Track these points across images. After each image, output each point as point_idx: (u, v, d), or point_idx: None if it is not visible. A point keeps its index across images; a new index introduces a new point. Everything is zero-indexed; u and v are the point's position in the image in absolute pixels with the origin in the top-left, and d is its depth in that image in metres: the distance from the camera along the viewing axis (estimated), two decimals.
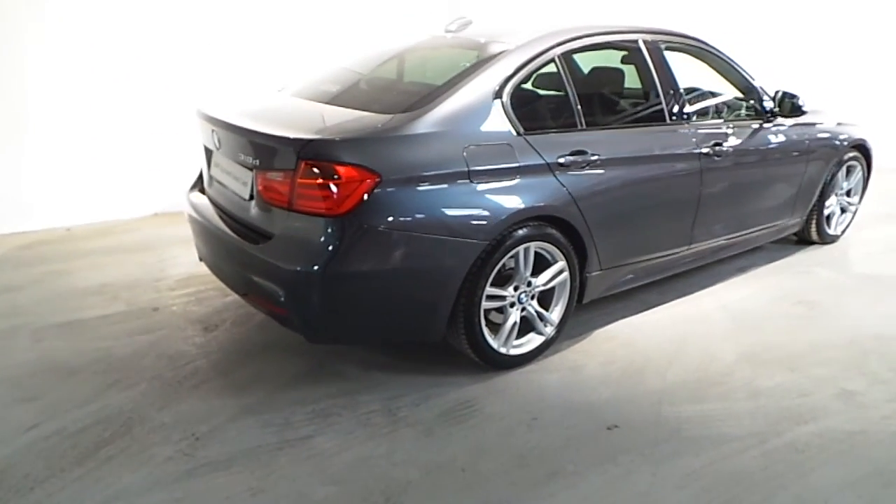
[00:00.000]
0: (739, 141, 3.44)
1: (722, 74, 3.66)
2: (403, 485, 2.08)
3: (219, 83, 4.86)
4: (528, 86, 2.78)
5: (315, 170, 2.24)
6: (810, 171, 3.91)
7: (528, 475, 2.14)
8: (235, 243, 2.57)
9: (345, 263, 2.27)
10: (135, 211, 4.91)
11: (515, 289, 2.69)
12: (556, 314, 2.85)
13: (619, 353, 2.94)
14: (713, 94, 3.64)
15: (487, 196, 2.48)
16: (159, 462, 2.16)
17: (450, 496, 2.04)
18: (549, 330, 2.85)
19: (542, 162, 2.62)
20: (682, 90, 3.24)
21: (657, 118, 3.16)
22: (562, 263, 2.78)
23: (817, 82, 5.98)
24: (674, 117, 3.18)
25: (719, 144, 3.30)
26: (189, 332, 3.06)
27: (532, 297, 2.76)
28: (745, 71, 3.68)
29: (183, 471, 2.12)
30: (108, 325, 3.14)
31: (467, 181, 2.44)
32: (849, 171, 4.31)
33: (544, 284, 2.77)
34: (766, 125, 3.65)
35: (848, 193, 4.41)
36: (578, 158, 2.73)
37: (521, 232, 2.57)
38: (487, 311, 2.63)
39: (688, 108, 3.27)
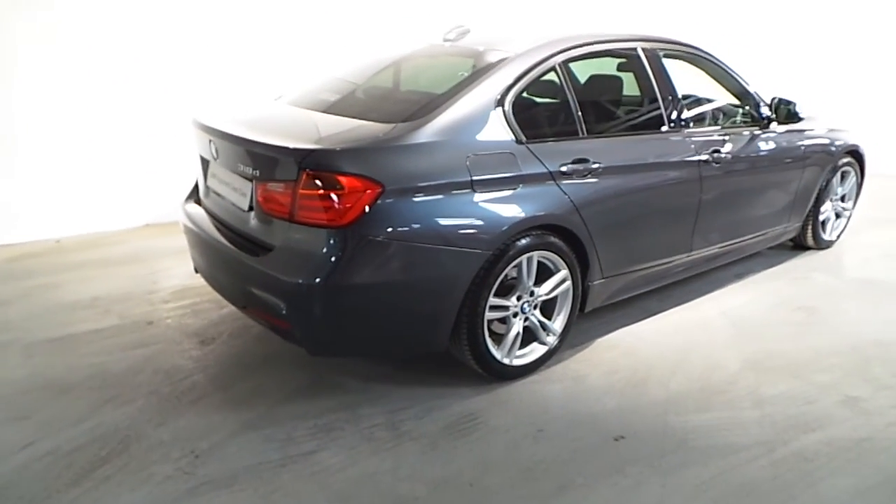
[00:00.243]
0: (737, 148, 3.45)
1: (719, 81, 3.68)
2: (411, 501, 2.03)
3: (211, 91, 4.81)
4: (530, 94, 2.76)
5: (317, 181, 2.20)
6: (806, 177, 3.93)
7: (537, 489, 2.10)
8: (234, 255, 2.52)
9: (348, 275, 2.24)
10: (125, 222, 4.84)
11: (518, 298, 2.67)
12: (558, 323, 2.83)
13: (622, 363, 2.92)
14: (710, 102, 3.65)
15: (491, 205, 2.45)
16: (159, 481, 2.10)
17: None
18: (552, 339, 2.82)
19: (545, 170, 2.60)
20: (680, 97, 3.25)
21: (657, 126, 3.15)
22: (564, 272, 2.76)
23: (809, 88, 6.02)
24: (673, 125, 3.18)
25: (718, 151, 3.30)
26: (185, 346, 3.00)
27: (535, 307, 2.74)
28: (741, 78, 3.70)
29: (184, 490, 2.06)
30: (101, 339, 3.07)
31: (470, 191, 2.41)
32: (843, 177, 4.34)
33: (547, 294, 2.75)
34: (763, 132, 3.67)
35: (842, 199, 4.44)
36: (580, 166, 2.72)
37: (524, 241, 2.55)
38: (490, 322, 2.60)
39: (686, 116, 3.27)
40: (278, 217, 2.34)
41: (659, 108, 3.15)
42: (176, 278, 3.81)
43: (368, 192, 2.22)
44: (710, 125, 3.53)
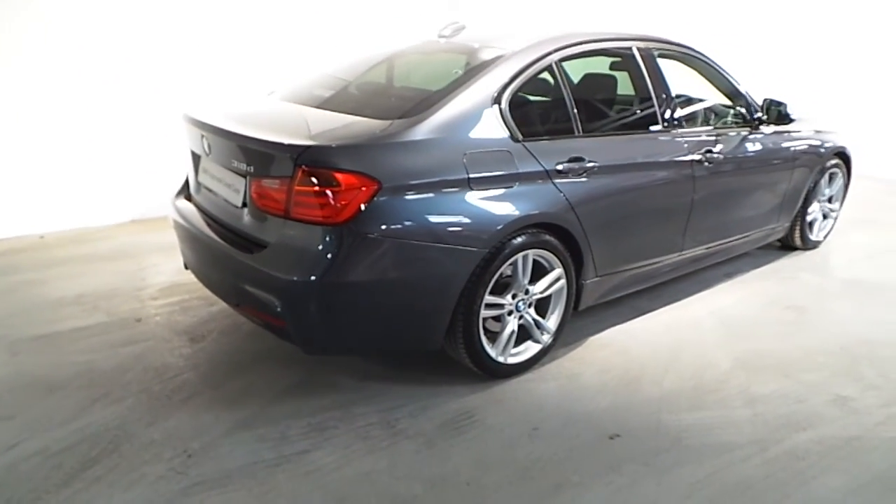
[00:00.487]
0: (729, 148, 3.47)
1: (711, 82, 3.70)
2: (408, 500, 2.02)
3: (200, 86, 4.75)
4: (526, 92, 2.75)
5: (313, 177, 2.17)
6: (796, 178, 3.97)
7: (534, 487, 2.10)
8: (227, 252, 2.48)
9: (343, 273, 2.21)
10: (111, 217, 4.75)
11: (513, 297, 2.66)
12: (552, 322, 2.83)
13: (615, 361, 2.93)
14: (703, 102, 3.67)
15: (487, 203, 2.44)
16: (151, 481, 2.07)
17: None
18: (546, 338, 2.82)
19: (541, 169, 2.60)
20: (674, 97, 3.26)
21: (651, 125, 3.16)
22: (559, 271, 2.76)
23: (796, 90, 6.08)
24: (667, 124, 3.19)
25: (710, 151, 3.32)
26: (175, 344, 2.96)
27: (529, 305, 2.73)
28: (733, 78, 3.72)
29: (176, 490, 2.03)
30: (88, 337, 3.01)
31: (467, 188, 2.40)
32: (831, 178, 4.39)
33: (542, 292, 2.75)
34: (754, 132, 3.69)
35: (830, 200, 4.49)
36: (576, 165, 2.71)
37: (519, 239, 2.54)
38: (485, 320, 2.59)
39: (680, 115, 3.28)
40: (273, 214, 2.31)
41: (654, 107, 3.16)
42: (164, 275, 3.75)
43: (365, 189, 2.20)
44: (702, 125, 3.55)
